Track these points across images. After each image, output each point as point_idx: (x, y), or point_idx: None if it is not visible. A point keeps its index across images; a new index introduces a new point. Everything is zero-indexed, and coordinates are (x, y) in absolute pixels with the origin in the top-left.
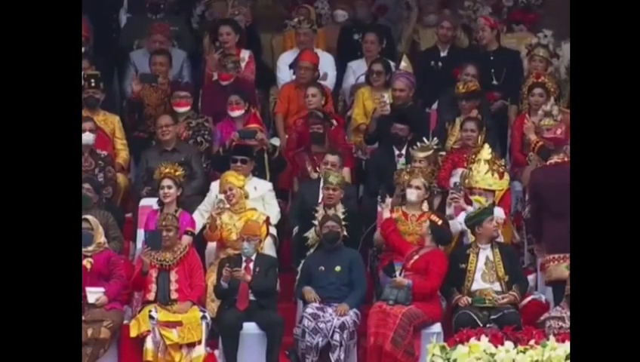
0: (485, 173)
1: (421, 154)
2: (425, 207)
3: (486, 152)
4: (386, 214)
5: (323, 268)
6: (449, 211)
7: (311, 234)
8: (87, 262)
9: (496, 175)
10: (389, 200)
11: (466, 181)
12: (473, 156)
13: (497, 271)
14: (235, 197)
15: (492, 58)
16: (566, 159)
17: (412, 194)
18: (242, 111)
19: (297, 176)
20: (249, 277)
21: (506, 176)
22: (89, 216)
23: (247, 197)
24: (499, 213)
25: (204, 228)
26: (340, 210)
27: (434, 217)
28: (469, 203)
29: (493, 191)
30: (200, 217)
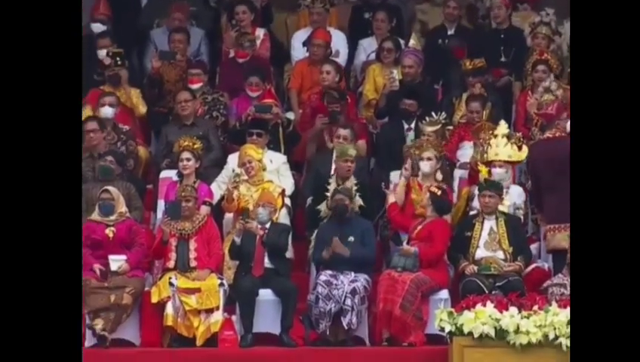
0: (504, 146)
1: (430, 128)
2: (439, 176)
3: (503, 127)
4: (391, 199)
5: (336, 239)
6: (455, 183)
7: (323, 206)
8: (109, 231)
9: (515, 147)
10: (393, 185)
11: (484, 155)
12: (489, 133)
13: (501, 242)
14: (253, 170)
15: (502, 36)
16: (557, 134)
17: (425, 166)
18: (260, 92)
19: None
20: (261, 232)
21: (524, 148)
22: (110, 188)
23: (264, 169)
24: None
25: (221, 198)
26: (352, 182)
27: (433, 188)
28: (476, 180)
29: (511, 163)
30: (217, 188)
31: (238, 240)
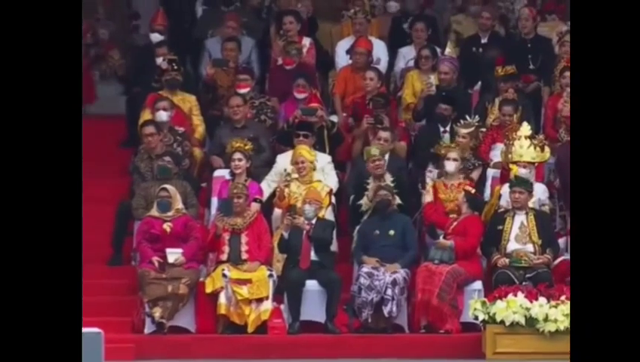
0: (527, 147)
1: (464, 130)
2: (461, 176)
3: (525, 129)
4: (428, 199)
5: (378, 233)
6: (488, 182)
7: (364, 201)
8: (166, 226)
9: (537, 148)
10: (429, 184)
11: (509, 156)
12: (513, 134)
13: (531, 236)
14: (305, 170)
15: (529, 45)
16: None
17: (450, 166)
18: (307, 94)
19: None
20: (307, 227)
21: (547, 149)
22: (168, 186)
23: (314, 169)
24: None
25: (271, 195)
26: (388, 180)
27: (467, 187)
28: (507, 179)
29: (534, 164)
30: (267, 186)
31: (286, 234)
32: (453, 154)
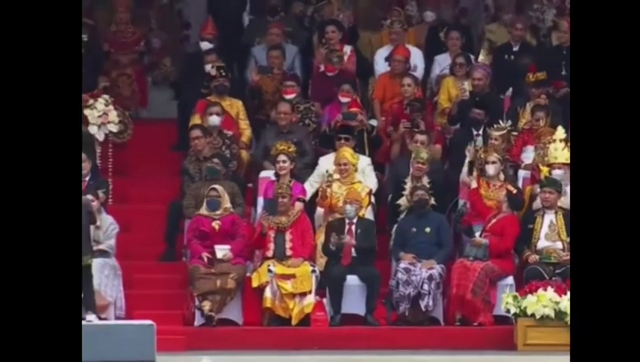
0: (562, 149)
1: (496, 133)
2: (502, 176)
3: (560, 133)
4: (473, 185)
5: (415, 230)
6: (520, 183)
7: (402, 201)
8: (215, 224)
9: None
10: (489, 169)
11: (545, 158)
12: (548, 137)
13: (560, 234)
14: (346, 171)
15: (564, 52)
16: None
17: (490, 169)
18: (350, 99)
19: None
20: (354, 241)
21: None
22: (217, 186)
23: (356, 171)
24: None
25: (314, 195)
26: (425, 181)
27: (510, 187)
28: (538, 180)
29: (569, 165)
30: (310, 186)
31: (333, 248)
32: (492, 158)
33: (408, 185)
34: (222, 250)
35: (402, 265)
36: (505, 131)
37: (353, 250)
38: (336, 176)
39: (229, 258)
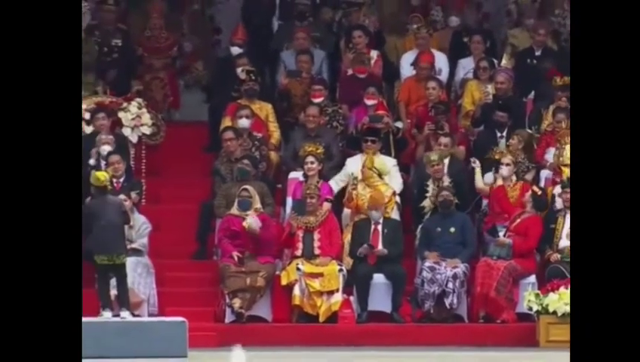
0: None
1: (517, 137)
2: (514, 178)
3: None
4: (499, 182)
5: (439, 230)
6: (542, 183)
7: (426, 203)
8: (245, 224)
9: None
10: (503, 170)
11: (560, 158)
12: (565, 139)
13: None
14: (369, 175)
15: None
16: None
17: (503, 170)
18: (376, 101)
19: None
20: (385, 251)
21: None
22: (248, 186)
23: (380, 175)
24: None
25: (340, 194)
26: (446, 181)
27: (535, 188)
28: (560, 180)
29: None
30: (335, 184)
31: (362, 255)
32: (506, 160)
33: (430, 187)
34: (252, 222)
35: (427, 263)
36: (527, 134)
37: (380, 248)
38: (360, 177)
39: (254, 230)
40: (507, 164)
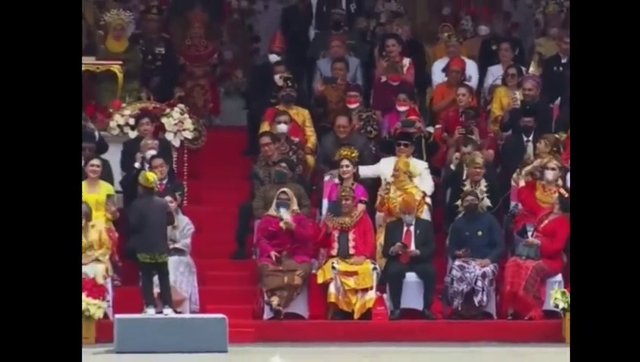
0: None
1: (544, 141)
2: (560, 182)
3: None
4: (522, 183)
5: (468, 233)
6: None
7: (458, 203)
8: (283, 224)
9: None
10: (548, 174)
11: None
12: None
13: None
14: (400, 178)
15: None
16: None
17: (549, 174)
18: (408, 107)
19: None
20: (418, 252)
21: None
22: (286, 189)
23: (411, 177)
24: None
25: (373, 200)
26: (482, 185)
27: (562, 191)
28: None
29: None
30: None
31: (393, 254)
32: (552, 164)
33: (467, 188)
34: (286, 217)
35: (457, 262)
36: (554, 138)
37: (412, 248)
38: (391, 179)
39: (290, 225)
40: (553, 168)
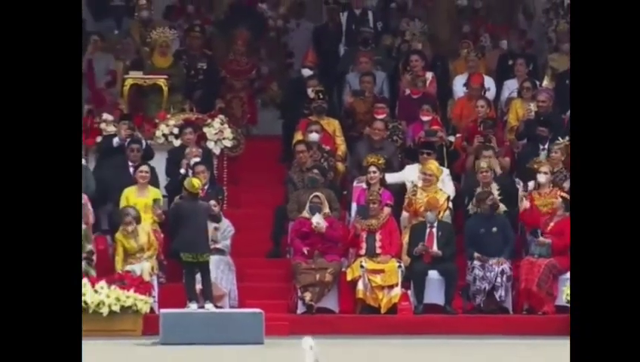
0: None
1: (556, 147)
2: (552, 185)
3: None
4: (525, 205)
5: (483, 230)
6: None
7: (470, 207)
8: (314, 225)
9: None
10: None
11: None
12: None
13: None
14: (430, 181)
15: None
16: None
17: (541, 178)
18: (431, 117)
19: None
20: (440, 252)
21: None
22: (319, 193)
23: (437, 181)
24: None
25: (400, 200)
26: (494, 188)
27: (564, 194)
28: None
29: None
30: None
31: (417, 253)
32: (544, 168)
33: (478, 191)
34: (319, 221)
35: (477, 262)
36: (563, 145)
37: (435, 248)
38: (420, 183)
39: (321, 228)
40: (545, 173)
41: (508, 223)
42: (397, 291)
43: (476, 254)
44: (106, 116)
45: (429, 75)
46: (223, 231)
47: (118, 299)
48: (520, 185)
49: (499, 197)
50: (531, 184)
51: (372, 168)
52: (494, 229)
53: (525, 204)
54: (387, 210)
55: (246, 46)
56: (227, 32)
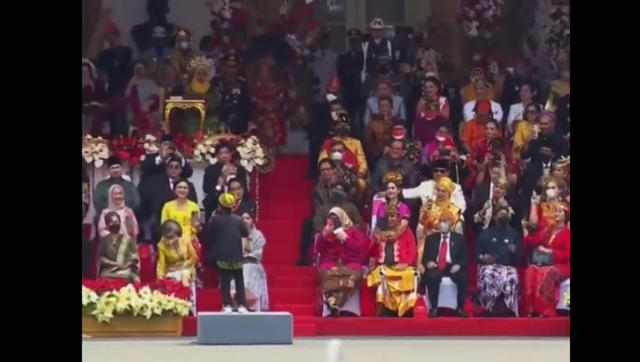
0: None
1: (559, 166)
2: (560, 199)
3: None
4: (533, 220)
5: (495, 240)
6: None
7: (476, 218)
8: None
9: None
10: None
11: None
12: None
13: None
14: (443, 197)
15: None
16: None
17: (551, 192)
18: (445, 138)
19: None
20: (457, 267)
21: None
22: (335, 210)
23: (450, 196)
24: None
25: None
26: (504, 203)
27: (565, 207)
28: None
29: None
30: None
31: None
32: (552, 184)
33: (488, 204)
34: (341, 233)
35: (487, 271)
36: (565, 164)
37: (448, 257)
38: (435, 198)
39: (344, 238)
40: (553, 187)
41: (517, 235)
42: (413, 296)
43: (487, 256)
44: (149, 137)
45: (443, 99)
46: (255, 241)
47: (159, 303)
48: (533, 199)
49: (511, 212)
50: (537, 198)
51: (391, 184)
52: (506, 240)
53: (534, 216)
54: (404, 223)
55: (271, 73)
56: (254, 61)
